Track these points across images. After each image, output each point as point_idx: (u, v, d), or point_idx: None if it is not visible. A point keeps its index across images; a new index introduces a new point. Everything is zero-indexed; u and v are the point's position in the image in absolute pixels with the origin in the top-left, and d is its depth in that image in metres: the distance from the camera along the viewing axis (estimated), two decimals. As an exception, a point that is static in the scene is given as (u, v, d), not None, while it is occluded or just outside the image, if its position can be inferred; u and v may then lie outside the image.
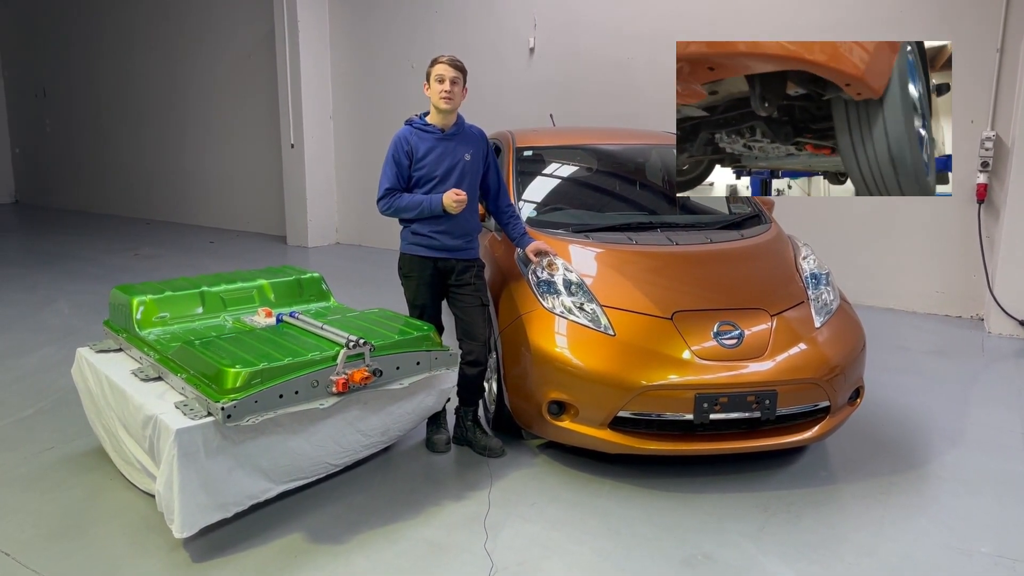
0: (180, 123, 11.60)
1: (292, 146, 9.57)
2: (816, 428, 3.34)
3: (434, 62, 3.46)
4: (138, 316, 3.45)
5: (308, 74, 9.39)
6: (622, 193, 4.62)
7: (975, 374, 4.93)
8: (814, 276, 3.68)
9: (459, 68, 3.46)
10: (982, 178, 5.86)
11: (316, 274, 4.04)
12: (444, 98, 3.42)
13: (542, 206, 4.29)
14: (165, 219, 12.12)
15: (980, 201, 5.91)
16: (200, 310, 3.64)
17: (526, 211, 4.18)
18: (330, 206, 9.87)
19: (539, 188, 4.46)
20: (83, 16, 12.60)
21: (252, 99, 10.44)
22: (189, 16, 11.03)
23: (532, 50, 8.05)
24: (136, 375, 3.17)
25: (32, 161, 14.16)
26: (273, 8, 9.41)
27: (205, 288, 3.69)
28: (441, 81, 3.41)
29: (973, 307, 6.13)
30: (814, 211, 6.57)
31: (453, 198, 3.38)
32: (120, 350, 3.53)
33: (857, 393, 3.53)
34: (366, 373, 2.95)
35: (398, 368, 3.13)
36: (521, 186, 4.34)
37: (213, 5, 10.66)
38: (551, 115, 6.43)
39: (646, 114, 7.07)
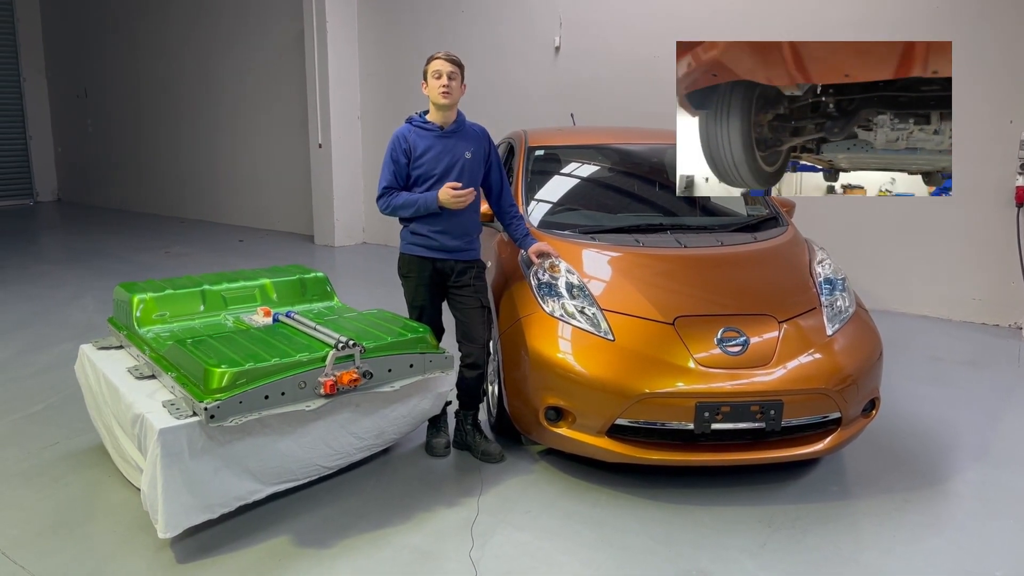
0: (213, 123, 11.77)
1: (320, 146, 9.63)
2: (826, 441, 3.19)
3: (430, 59, 3.39)
4: (137, 314, 3.46)
5: (336, 75, 9.44)
6: (636, 193, 4.50)
7: (1009, 386, 4.68)
8: (829, 281, 3.52)
9: (456, 63, 3.39)
10: (1021, 180, 5.59)
11: (320, 274, 4.01)
12: (443, 93, 3.35)
13: (551, 206, 4.19)
14: (198, 217, 12.31)
15: (1020, 204, 5.65)
16: (201, 309, 3.63)
17: (536, 212, 4.09)
18: (357, 206, 9.91)
19: (549, 188, 4.36)
20: (122, 19, 12.88)
21: (282, 99, 10.54)
22: (223, 18, 11.18)
23: (558, 49, 7.96)
24: (131, 373, 3.18)
25: (74, 160, 14.53)
26: (303, 10, 9.48)
27: (207, 286, 3.68)
28: (439, 77, 3.35)
29: (1011, 315, 5.86)
30: (844, 213, 6.36)
31: (450, 192, 3.30)
32: (122, 347, 3.55)
33: (872, 405, 3.37)
34: (355, 375, 2.90)
35: (390, 370, 3.08)
36: (531, 186, 4.25)
37: (247, 7, 10.79)
38: (572, 114, 6.33)
39: (673, 113, 6.91)
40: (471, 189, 3.34)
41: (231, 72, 11.28)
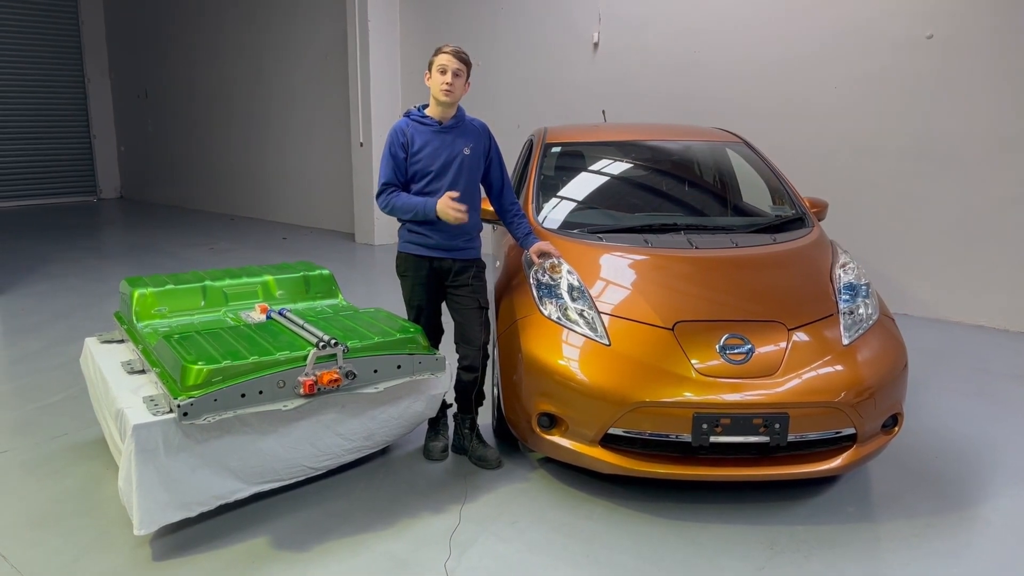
0: (263, 123, 11.98)
1: (361, 144, 9.67)
2: (840, 458, 2.96)
3: (438, 51, 3.30)
4: (137, 308, 3.46)
5: (378, 74, 9.46)
6: (653, 192, 4.30)
7: (1063, 403, 4.33)
8: (850, 287, 3.28)
9: (463, 60, 3.28)
10: (1086, 181, 5.18)
11: (326, 271, 3.96)
12: (445, 90, 3.25)
13: (561, 203, 4.04)
14: (247, 215, 12.55)
15: (1084, 207, 5.24)
16: (202, 304, 3.62)
17: (546, 208, 3.95)
18: (397, 204, 9.90)
19: (562, 184, 4.22)
20: (181, 24, 13.24)
21: (328, 99, 10.64)
22: (273, 23, 11.35)
23: (596, 45, 7.79)
24: (124, 367, 3.18)
25: (135, 158, 15.00)
26: (345, 10, 9.55)
27: (208, 282, 3.66)
28: (443, 72, 3.25)
29: (1074, 327, 5.44)
30: (891, 216, 6.02)
31: (449, 205, 3.14)
32: (123, 341, 3.56)
33: (895, 420, 3.12)
34: (335, 375, 2.83)
35: (376, 371, 2.99)
36: (543, 183, 4.11)
37: (295, 11, 10.92)
38: (603, 111, 6.17)
39: (713, 111, 6.69)
40: (466, 206, 3.19)
41: (280, 74, 11.45)
